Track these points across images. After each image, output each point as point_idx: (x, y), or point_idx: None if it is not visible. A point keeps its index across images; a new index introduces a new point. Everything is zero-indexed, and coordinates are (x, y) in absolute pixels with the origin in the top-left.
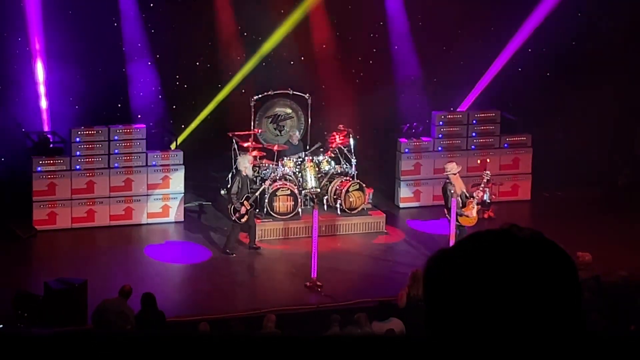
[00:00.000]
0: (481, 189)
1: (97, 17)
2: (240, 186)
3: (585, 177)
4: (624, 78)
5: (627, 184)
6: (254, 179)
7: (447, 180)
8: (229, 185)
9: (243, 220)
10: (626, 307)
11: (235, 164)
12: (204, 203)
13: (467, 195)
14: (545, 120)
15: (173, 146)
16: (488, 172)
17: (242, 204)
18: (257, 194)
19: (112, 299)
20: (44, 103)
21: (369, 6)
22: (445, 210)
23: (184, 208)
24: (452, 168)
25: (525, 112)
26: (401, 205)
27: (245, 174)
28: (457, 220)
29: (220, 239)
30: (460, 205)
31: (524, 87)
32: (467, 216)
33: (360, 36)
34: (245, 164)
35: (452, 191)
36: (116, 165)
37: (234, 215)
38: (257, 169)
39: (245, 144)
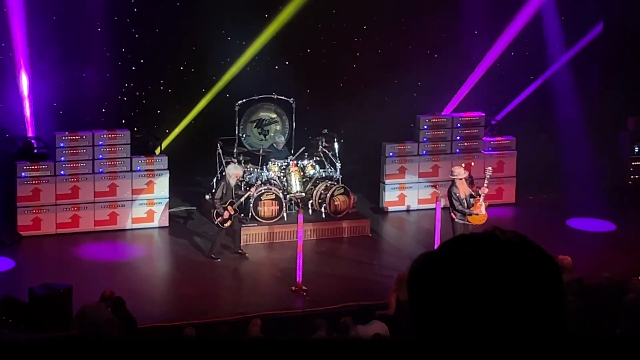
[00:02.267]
0: (486, 185)
1: (81, 22)
2: (224, 191)
3: (569, 180)
4: (608, 81)
5: (610, 187)
6: (239, 184)
7: (453, 183)
8: (213, 190)
9: (226, 225)
10: (609, 309)
11: (220, 168)
12: (189, 208)
13: (473, 194)
14: (529, 123)
15: (157, 151)
16: (490, 167)
17: (225, 208)
18: (242, 199)
19: (91, 304)
20: (27, 108)
21: (353, 10)
22: (451, 211)
23: (169, 213)
24: (460, 173)
25: (509, 115)
26: (386, 209)
27: (229, 181)
28: (467, 221)
29: (205, 244)
30: (466, 206)
31: (508, 91)
32: (477, 214)
33: (344, 40)
34: (231, 172)
35: (457, 194)
36: (100, 170)
37: (217, 219)
38: (243, 173)
39: (230, 150)
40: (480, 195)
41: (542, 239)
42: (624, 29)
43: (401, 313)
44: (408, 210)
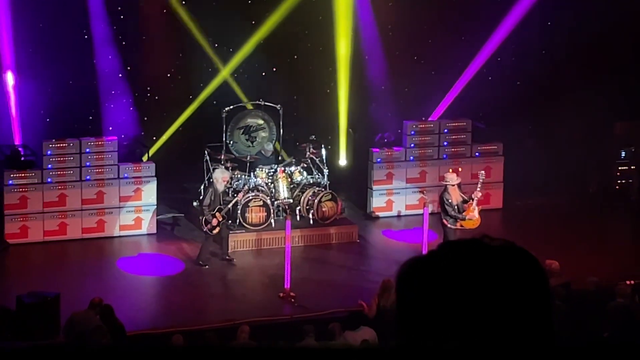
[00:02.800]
0: (478, 189)
1: (68, 29)
2: (212, 198)
3: (556, 185)
4: (595, 86)
5: (598, 191)
6: (227, 190)
7: (444, 189)
8: (201, 197)
9: (214, 232)
10: (597, 313)
11: (208, 175)
12: (176, 215)
13: (465, 199)
14: (516, 128)
15: (145, 158)
16: (482, 172)
17: (213, 215)
18: (229, 205)
19: (80, 312)
20: (14, 116)
21: (340, 17)
22: (442, 217)
23: (157, 220)
24: (452, 179)
25: (496, 120)
26: (373, 215)
27: (217, 187)
28: (460, 226)
29: (193, 251)
30: (459, 211)
31: (495, 96)
32: (471, 219)
33: (331, 47)
34: (219, 177)
35: (449, 200)
36: (88, 177)
37: (205, 226)
38: (230, 180)
39: (218, 156)
40: (473, 200)
41: (529, 244)
42: (612, 34)
43: (381, 319)
44: (399, 216)
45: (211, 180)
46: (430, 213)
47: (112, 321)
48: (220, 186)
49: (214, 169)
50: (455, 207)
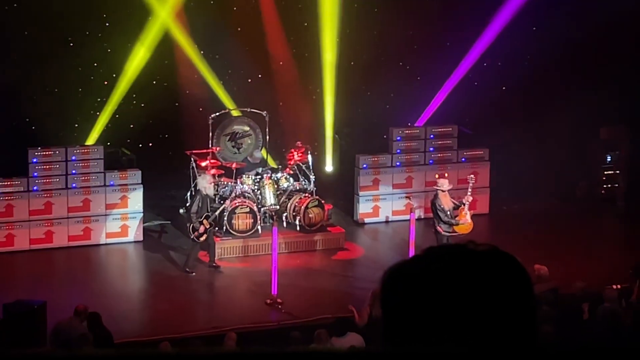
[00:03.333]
0: (469, 193)
1: (54, 37)
2: (200, 205)
3: (543, 190)
4: (579, 91)
5: (584, 196)
6: (214, 197)
7: (435, 195)
8: (188, 204)
9: (202, 239)
10: (584, 319)
11: (194, 182)
12: (163, 222)
13: (457, 204)
14: (502, 133)
15: (131, 165)
16: (472, 175)
17: (201, 222)
18: (217, 212)
19: (65, 320)
20: None
21: (325, 23)
22: (435, 223)
23: (143, 227)
24: (444, 184)
25: (482, 126)
26: (360, 221)
27: (205, 193)
28: (453, 232)
29: (180, 258)
30: (451, 217)
31: (481, 102)
32: (463, 223)
33: (316, 53)
34: (204, 183)
35: (441, 205)
36: (74, 185)
37: (193, 234)
38: (216, 187)
39: (204, 163)
40: (464, 205)
41: (516, 250)
42: (596, 39)
43: (372, 328)
44: (387, 222)
45: (198, 188)
46: (417, 219)
47: (100, 329)
48: (209, 191)
49: (198, 176)
50: (448, 212)
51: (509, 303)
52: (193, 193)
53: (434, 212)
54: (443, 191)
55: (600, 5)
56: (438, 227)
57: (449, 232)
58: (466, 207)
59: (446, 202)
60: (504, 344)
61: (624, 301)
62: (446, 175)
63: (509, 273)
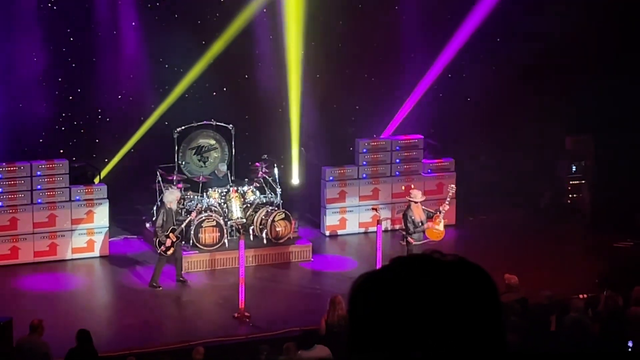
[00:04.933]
0: (447, 202)
1: (17, 52)
2: (165, 219)
3: (508, 200)
4: (543, 101)
5: (548, 206)
6: (179, 210)
7: (408, 207)
8: (154, 218)
9: (169, 253)
10: (551, 328)
11: (160, 196)
12: (129, 237)
13: (430, 213)
14: (468, 144)
15: (97, 180)
16: (453, 185)
17: (167, 236)
18: (182, 225)
19: (25, 337)
20: None
21: (291, 36)
22: (404, 235)
23: (109, 242)
24: (416, 196)
25: (448, 137)
26: (327, 233)
27: (169, 207)
28: (426, 238)
29: (146, 273)
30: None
31: (446, 113)
32: (436, 230)
33: (282, 66)
34: (171, 198)
35: (412, 217)
36: (39, 201)
37: (160, 248)
38: (182, 200)
39: (170, 177)
40: (440, 212)
41: (483, 260)
42: (560, 50)
43: (331, 335)
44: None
45: (163, 201)
46: (384, 230)
47: (88, 347)
48: (174, 205)
49: (165, 190)
50: (419, 223)
51: (476, 312)
52: (159, 206)
53: (405, 223)
54: (415, 202)
55: (563, 16)
56: (409, 239)
57: (421, 241)
58: (441, 215)
59: (418, 213)
60: (470, 353)
61: (591, 311)
62: (413, 186)
63: (475, 283)
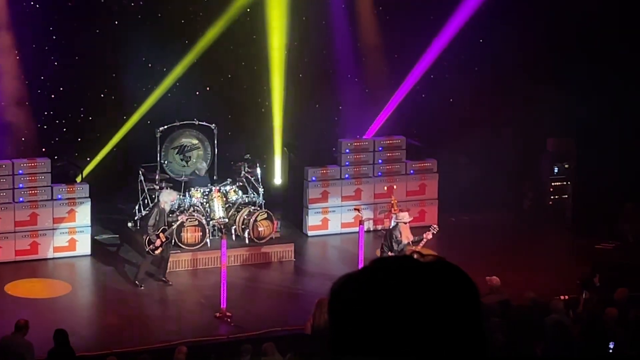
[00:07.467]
0: (431, 230)
1: None
2: (157, 218)
3: (491, 201)
4: (527, 103)
5: (531, 207)
6: (171, 211)
7: (395, 226)
8: (143, 217)
9: (157, 252)
10: (533, 330)
11: (157, 194)
12: (111, 236)
13: (415, 240)
14: (450, 145)
15: (79, 179)
16: (435, 226)
17: (157, 236)
18: (174, 227)
19: (9, 336)
20: None
21: (273, 36)
22: (385, 250)
23: (91, 241)
24: (404, 217)
25: (430, 137)
26: (309, 233)
27: (163, 207)
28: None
29: (129, 271)
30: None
31: (429, 113)
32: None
33: (265, 65)
34: (167, 199)
35: (399, 238)
36: (21, 199)
37: (148, 246)
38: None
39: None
40: (423, 240)
41: (465, 261)
42: (541, 51)
43: (316, 337)
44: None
45: (158, 200)
46: (367, 231)
47: (65, 347)
48: (168, 207)
49: (161, 189)
50: (403, 245)
51: (456, 314)
52: (151, 205)
53: (390, 242)
54: (405, 223)
55: (547, 18)
56: (389, 253)
57: None
58: (423, 243)
59: (406, 234)
60: (451, 355)
61: (572, 312)
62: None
63: (455, 284)
